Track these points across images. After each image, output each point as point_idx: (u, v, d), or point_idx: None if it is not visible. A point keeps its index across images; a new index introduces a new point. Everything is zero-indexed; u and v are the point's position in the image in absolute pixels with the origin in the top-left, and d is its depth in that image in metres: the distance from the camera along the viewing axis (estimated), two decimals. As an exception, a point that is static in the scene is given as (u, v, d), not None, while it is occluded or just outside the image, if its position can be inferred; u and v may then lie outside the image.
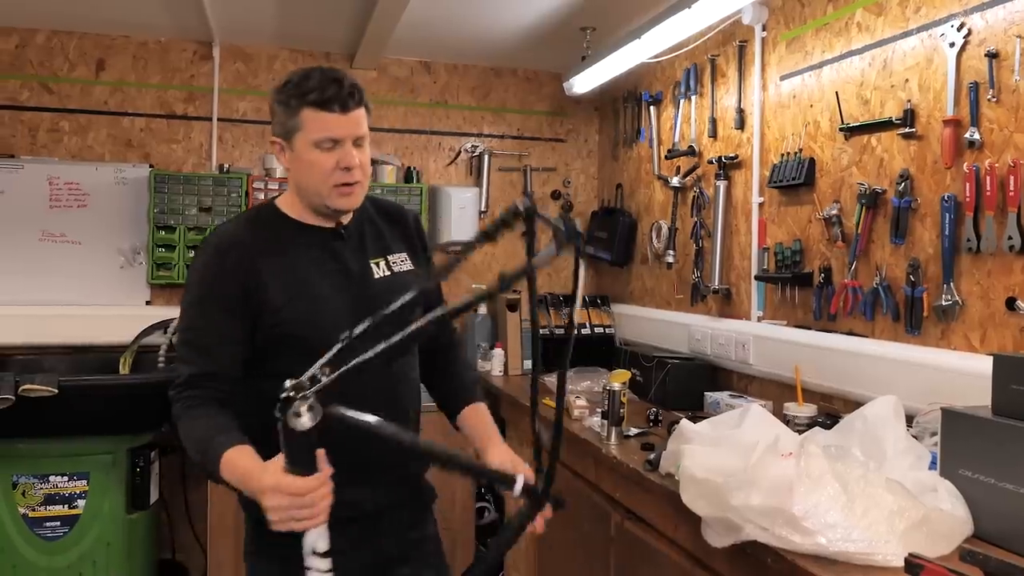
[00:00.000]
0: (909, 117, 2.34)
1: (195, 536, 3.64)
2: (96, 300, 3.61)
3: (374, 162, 3.92)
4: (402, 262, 1.75)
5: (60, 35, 3.63)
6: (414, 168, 3.97)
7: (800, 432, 2.05)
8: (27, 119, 3.60)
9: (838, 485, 1.62)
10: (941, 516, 1.63)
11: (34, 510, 2.92)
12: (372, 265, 1.70)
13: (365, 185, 1.65)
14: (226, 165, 3.75)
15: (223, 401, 1.55)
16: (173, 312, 3.60)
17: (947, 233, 2.19)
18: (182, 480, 3.62)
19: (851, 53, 2.58)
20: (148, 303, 3.70)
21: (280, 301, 1.59)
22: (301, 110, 1.56)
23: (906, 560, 1.41)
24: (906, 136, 2.36)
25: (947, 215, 2.20)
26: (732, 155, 3.15)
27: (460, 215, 3.85)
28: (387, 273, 1.70)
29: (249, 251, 1.61)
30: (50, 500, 2.94)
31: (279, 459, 1.24)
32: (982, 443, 1.71)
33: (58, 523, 2.95)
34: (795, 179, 2.75)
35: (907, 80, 2.37)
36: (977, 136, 2.13)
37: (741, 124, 3.10)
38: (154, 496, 3.22)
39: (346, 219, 1.71)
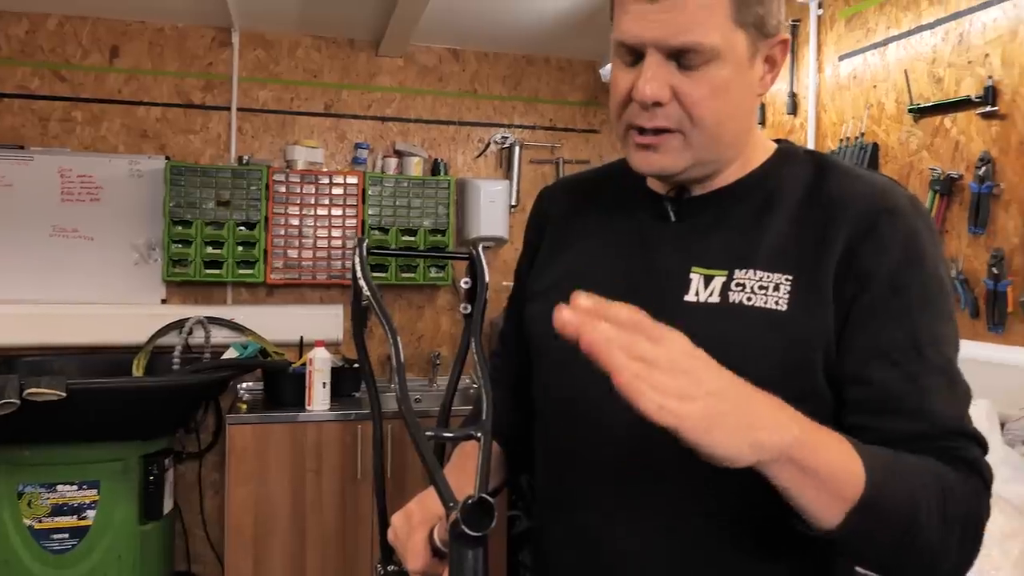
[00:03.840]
0: (990, 95, 2.14)
1: (211, 546, 3.49)
2: (109, 298, 3.46)
3: (400, 154, 3.75)
4: (764, 288, 0.88)
5: (72, 20, 3.48)
6: (441, 160, 3.80)
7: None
8: (38, 108, 3.45)
9: (941, 503, 1.42)
10: (1058, 539, 1.43)
11: (40, 521, 2.78)
12: (694, 277, 0.92)
13: (698, 141, 0.89)
14: (245, 157, 3.59)
15: None
16: (189, 311, 3.46)
17: (1037, 221, 1.99)
18: (198, 487, 3.47)
19: (921, 28, 2.37)
20: (163, 301, 3.54)
21: (537, 285, 1.06)
22: None
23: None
24: (987, 116, 2.15)
25: (1037, 201, 1.99)
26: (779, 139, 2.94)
27: (490, 209, 3.67)
28: (714, 299, 0.90)
29: (554, 208, 1.11)
30: (58, 511, 2.79)
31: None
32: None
33: (66, 535, 2.80)
34: (857, 165, 2.54)
35: (987, 55, 2.16)
36: (1074, 113, 1.92)
37: (794, 109, 2.89)
38: (168, 505, 3.07)
39: (707, 186, 0.96)
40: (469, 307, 0.93)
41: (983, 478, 0.83)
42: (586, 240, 1.02)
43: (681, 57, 0.85)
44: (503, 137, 3.92)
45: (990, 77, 2.15)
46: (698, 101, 0.86)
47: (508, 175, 3.93)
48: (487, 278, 0.93)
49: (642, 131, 0.89)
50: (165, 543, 3.14)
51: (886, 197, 0.89)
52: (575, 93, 4.06)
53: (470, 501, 0.71)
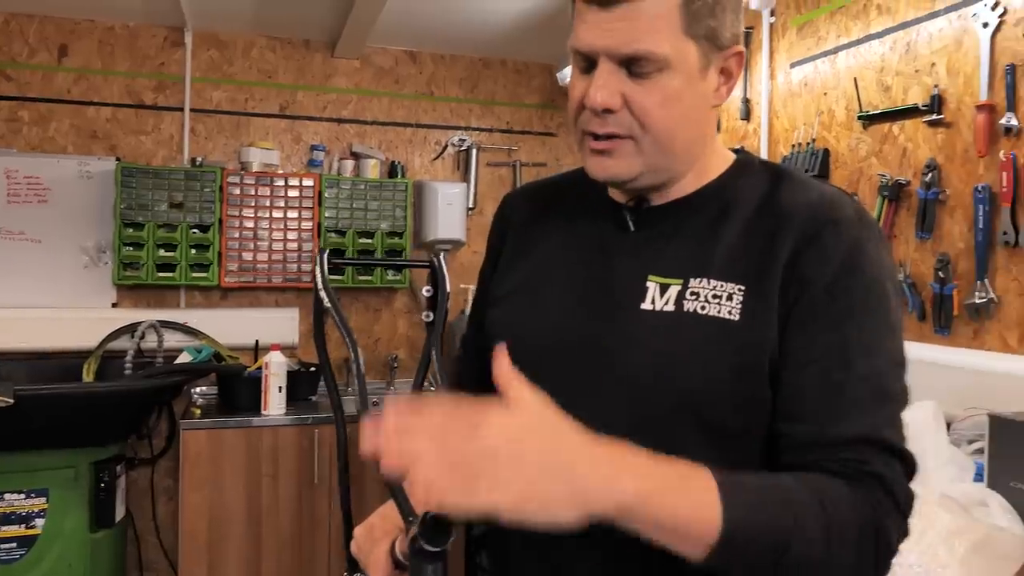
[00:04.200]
0: (936, 103, 2.20)
1: (164, 553, 3.43)
2: (58, 302, 3.38)
3: (356, 156, 3.73)
4: (717, 298, 0.89)
5: (19, 18, 3.40)
6: (398, 162, 3.78)
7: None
8: (-17, 108, 3.36)
9: (890, 502, 1.46)
10: (1002, 536, 1.48)
11: (-13, 531, 2.70)
12: (650, 285, 0.93)
13: (649, 148, 0.90)
14: (199, 158, 3.53)
15: None
16: (141, 315, 3.40)
17: (980, 226, 2.05)
18: (151, 494, 3.41)
19: (870, 37, 2.43)
20: (114, 305, 3.47)
21: (498, 290, 1.07)
22: None
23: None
24: (933, 123, 2.21)
25: (980, 207, 2.06)
26: (737, 147, 2.99)
27: (447, 211, 3.66)
28: (669, 307, 0.90)
29: (516, 214, 1.12)
30: (5, 520, 2.73)
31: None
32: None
33: (14, 544, 2.73)
34: (808, 171, 2.59)
35: (934, 64, 2.22)
36: (1015, 122, 1.99)
37: (747, 115, 2.95)
38: (120, 513, 3.01)
39: (665, 196, 0.97)
40: (431, 315, 0.94)
41: (887, 489, 0.80)
42: (546, 246, 1.03)
43: (632, 65, 0.87)
44: (460, 139, 3.92)
45: (936, 86, 2.21)
46: (648, 109, 0.88)
47: (465, 178, 3.93)
48: (448, 287, 0.94)
49: (596, 137, 0.91)
50: (117, 551, 3.08)
51: (833, 207, 0.90)
52: (532, 96, 4.07)
53: (428, 516, 0.72)
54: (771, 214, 0.91)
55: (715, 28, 0.88)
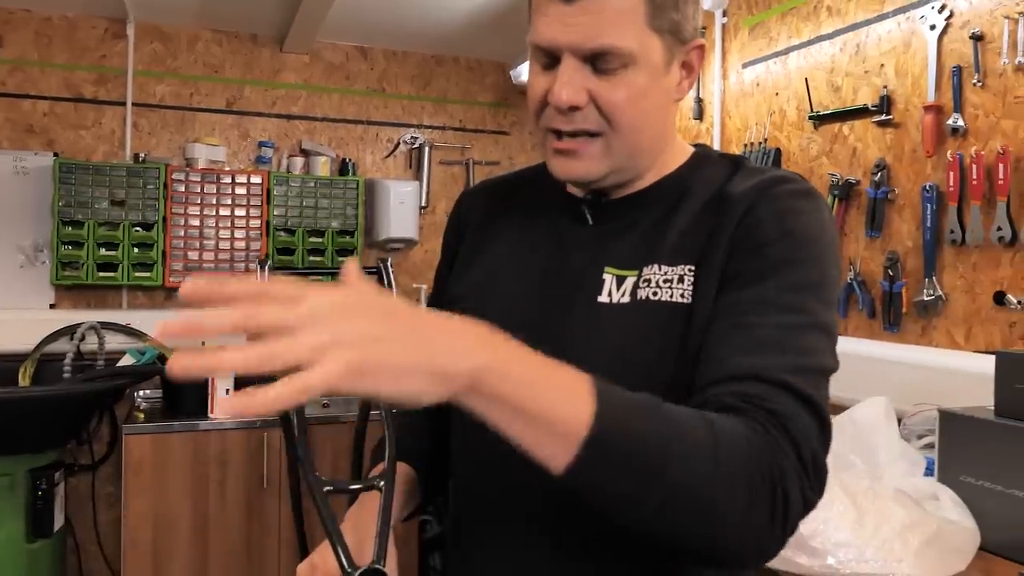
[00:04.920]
0: (885, 104, 2.24)
1: (106, 562, 3.32)
2: (-8, 303, 3.25)
3: (306, 153, 3.65)
4: (668, 282, 0.87)
5: (-51, 7, 3.26)
6: (349, 160, 3.72)
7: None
8: (-90, 100, 3.21)
9: (847, 500, 1.47)
10: (953, 529, 1.50)
11: (-84, 542, 2.57)
12: (607, 277, 0.91)
13: (618, 148, 0.88)
14: (142, 154, 3.43)
15: None
16: (81, 316, 3.28)
17: (928, 225, 2.09)
18: (91, 502, 3.29)
19: (820, 38, 2.46)
20: (52, 306, 3.35)
21: (455, 288, 1.04)
22: None
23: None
24: (882, 124, 2.25)
25: (928, 206, 2.09)
26: (697, 143, 3.01)
27: (399, 210, 3.62)
28: (624, 299, 0.89)
29: (472, 213, 1.09)
30: (-65, 530, 2.59)
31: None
32: (985, 447, 1.61)
33: (-55, 556, 2.60)
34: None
35: (882, 65, 2.26)
36: (961, 123, 2.03)
37: (700, 114, 2.96)
38: (59, 522, 2.90)
39: (623, 190, 0.95)
40: None
41: (784, 428, 0.72)
42: (502, 243, 1.01)
43: (597, 61, 0.84)
44: (412, 137, 3.88)
45: (885, 87, 2.24)
46: (617, 105, 0.85)
47: (418, 176, 3.88)
48: (395, 291, 0.91)
49: (560, 135, 0.88)
50: (56, 561, 2.96)
51: (775, 183, 0.88)
52: (485, 94, 4.05)
53: (366, 569, 0.72)
54: (721, 199, 0.89)
55: (678, 21, 0.86)
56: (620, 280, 0.90)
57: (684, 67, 0.91)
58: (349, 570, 0.73)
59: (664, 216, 0.91)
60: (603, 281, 0.90)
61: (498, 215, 1.05)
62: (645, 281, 0.88)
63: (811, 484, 0.73)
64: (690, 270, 0.86)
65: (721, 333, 0.80)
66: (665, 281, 0.87)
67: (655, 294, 0.87)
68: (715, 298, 0.83)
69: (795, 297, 0.81)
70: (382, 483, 0.80)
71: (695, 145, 1.00)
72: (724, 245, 0.85)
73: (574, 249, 0.94)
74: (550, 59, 0.86)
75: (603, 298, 0.89)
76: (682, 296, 0.85)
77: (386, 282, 0.91)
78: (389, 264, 0.91)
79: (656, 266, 0.88)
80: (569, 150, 0.88)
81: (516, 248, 1.00)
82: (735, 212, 0.86)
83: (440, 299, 1.08)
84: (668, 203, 0.92)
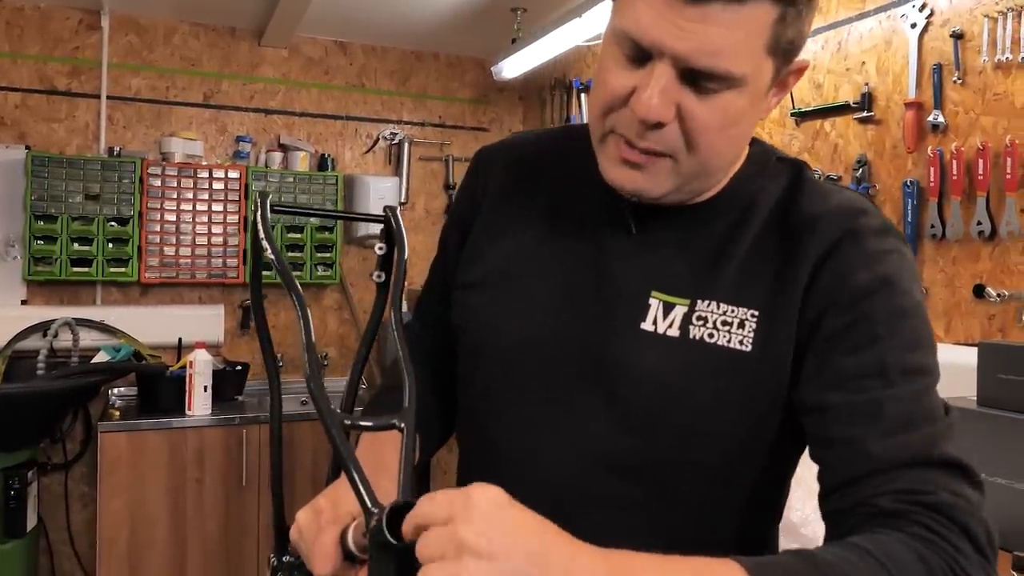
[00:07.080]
0: (866, 101, 2.26)
1: (80, 563, 3.27)
2: (-38, 299, 3.18)
3: (285, 148, 3.62)
4: (727, 325, 0.79)
5: (-82, -4, 3.19)
6: (328, 155, 3.69)
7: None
8: None
9: (837, 487, 1.48)
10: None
11: None
12: (653, 302, 0.82)
13: (688, 169, 0.78)
14: (117, 148, 3.37)
15: None
16: (54, 312, 3.23)
17: (909, 220, 2.12)
18: (65, 501, 3.23)
19: (802, 35, 2.48)
20: (24, 302, 3.29)
21: (469, 273, 0.94)
22: None
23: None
24: (863, 120, 2.27)
25: (909, 201, 2.12)
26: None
27: (379, 206, 3.57)
28: (673, 332, 0.80)
29: (492, 181, 0.97)
30: (-95, 530, 2.53)
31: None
32: (968, 436, 1.62)
33: (-85, 557, 2.54)
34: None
35: (864, 63, 2.29)
36: (941, 119, 2.05)
37: (681, 111, 2.97)
38: (32, 521, 2.85)
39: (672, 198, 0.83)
40: (383, 275, 0.84)
41: (951, 520, 0.67)
42: (525, 228, 0.91)
43: (700, 78, 0.72)
44: (392, 133, 3.85)
45: (866, 84, 2.27)
46: (708, 128, 0.74)
47: (397, 172, 3.86)
48: (407, 246, 0.84)
49: (630, 144, 0.77)
50: (28, 562, 2.91)
51: (855, 216, 0.79)
52: (464, 90, 4.03)
53: (395, 506, 0.63)
54: (788, 226, 0.80)
55: (795, 41, 0.75)
56: (668, 308, 0.80)
57: (778, 84, 0.79)
58: (375, 509, 0.64)
59: (721, 239, 0.82)
60: (649, 306, 0.81)
61: (519, 192, 0.94)
62: (700, 319, 0.79)
63: (992, 562, 0.68)
64: (752, 315, 0.78)
65: (849, 410, 0.73)
66: (724, 324, 0.78)
67: (711, 336, 0.78)
68: (807, 358, 0.76)
69: (914, 357, 0.75)
70: (402, 424, 0.72)
71: (751, 142, 0.87)
72: (800, 292, 0.77)
73: (614, 259, 0.84)
74: (639, 53, 0.74)
75: (647, 325, 0.80)
76: (741, 343, 0.77)
77: (396, 234, 0.81)
78: (399, 215, 0.82)
79: (714, 304, 0.79)
80: (637, 163, 0.77)
81: (541, 239, 0.89)
82: (810, 251, 0.78)
83: (445, 268, 0.99)
84: (725, 222, 0.83)
